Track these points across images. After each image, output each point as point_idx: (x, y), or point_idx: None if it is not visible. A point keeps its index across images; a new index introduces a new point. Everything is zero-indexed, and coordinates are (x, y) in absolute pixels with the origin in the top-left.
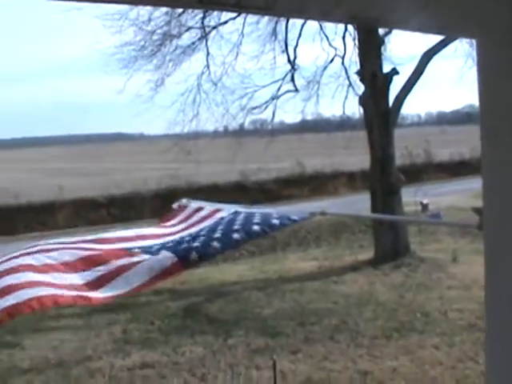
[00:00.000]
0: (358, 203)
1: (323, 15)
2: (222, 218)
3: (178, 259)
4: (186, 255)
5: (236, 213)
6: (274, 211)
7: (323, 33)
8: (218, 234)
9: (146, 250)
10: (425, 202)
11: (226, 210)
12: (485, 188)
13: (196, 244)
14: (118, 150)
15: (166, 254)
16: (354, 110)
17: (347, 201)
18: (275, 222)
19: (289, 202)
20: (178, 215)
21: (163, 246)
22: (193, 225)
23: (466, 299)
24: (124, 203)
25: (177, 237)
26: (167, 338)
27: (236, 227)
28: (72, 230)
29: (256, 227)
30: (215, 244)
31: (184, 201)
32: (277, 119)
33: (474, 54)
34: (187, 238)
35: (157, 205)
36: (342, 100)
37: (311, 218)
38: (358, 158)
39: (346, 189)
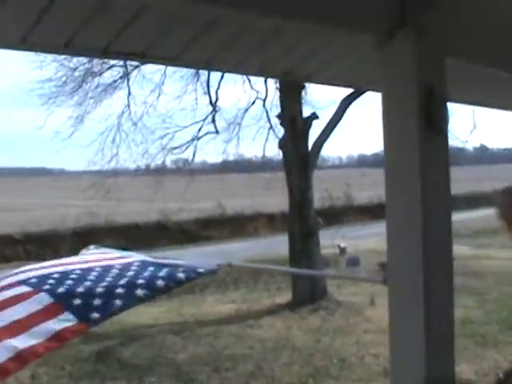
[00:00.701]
0: (278, 245)
1: (232, 68)
2: (126, 269)
3: (79, 320)
4: (86, 315)
5: (142, 263)
6: (182, 262)
7: (245, 76)
8: (120, 290)
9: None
10: (342, 245)
11: (133, 258)
12: (389, 238)
13: (96, 302)
14: (38, 184)
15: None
16: (276, 152)
17: (267, 242)
18: (181, 276)
19: (208, 242)
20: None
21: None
22: (93, 268)
23: (382, 344)
24: (41, 240)
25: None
26: (78, 383)
27: (140, 281)
28: None
29: (161, 282)
30: (117, 302)
31: (92, 247)
32: (199, 159)
33: None
34: (83, 289)
35: (74, 243)
36: (263, 142)
37: (218, 271)
38: (278, 200)
39: (267, 230)
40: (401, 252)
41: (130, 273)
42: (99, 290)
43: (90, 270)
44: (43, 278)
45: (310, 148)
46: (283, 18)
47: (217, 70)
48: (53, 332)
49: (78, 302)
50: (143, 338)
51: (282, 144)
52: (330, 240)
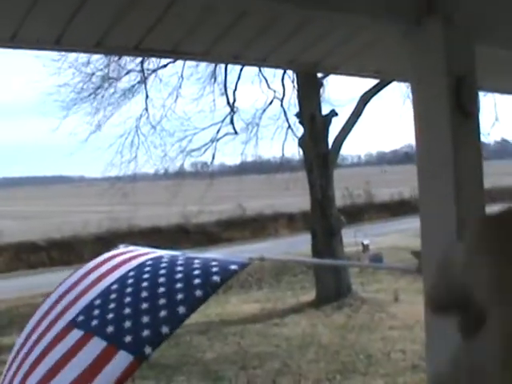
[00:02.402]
0: (299, 244)
1: (261, 61)
2: (158, 285)
3: (134, 358)
4: (139, 350)
5: (171, 261)
6: (213, 256)
7: (262, 75)
8: (163, 313)
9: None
10: (365, 242)
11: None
12: (423, 230)
13: (146, 333)
14: (58, 192)
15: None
16: (294, 152)
17: (288, 242)
18: (216, 278)
19: (230, 244)
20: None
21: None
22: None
23: (408, 340)
24: (64, 246)
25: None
26: None
27: (179, 297)
28: (14, 273)
29: (199, 292)
30: (164, 329)
31: (121, 246)
32: (217, 161)
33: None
34: (130, 324)
35: (98, 248)
36: (282, 142)
37: (251, 264)
38: (299, 200)
39: (287, 230)
40: (435, 241)
41: (164, 288)
42: (145, 319)
43: (124, 279)
44: (88, 312)
45: (330, 146)
46: (313, 9)
47: (245, 64)
48: (116, 376)
49: (128, 339)
50: (170, 339)
51: (302, 143)
52: (351, 238)
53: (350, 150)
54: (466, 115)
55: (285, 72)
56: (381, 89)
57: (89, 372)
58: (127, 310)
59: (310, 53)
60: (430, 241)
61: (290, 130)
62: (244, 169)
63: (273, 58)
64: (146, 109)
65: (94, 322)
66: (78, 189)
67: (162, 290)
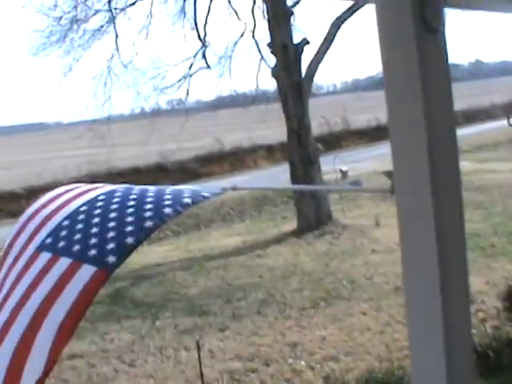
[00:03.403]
0: (279, 175)
1: None
2: (128, 199)
3: (98, 269)
4: (104, 262)
5: (145, 190)
6: (185, 187)
7: (232, 8)
8: (129, 227)
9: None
10: (344, 169)
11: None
12: (393, 151)
13: (110, 246)
14: (37, 140)
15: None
16: (269, 84)
17: (268, 173)
18: (187, 201)
19: (209, 179)
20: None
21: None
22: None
23: (391, 263)
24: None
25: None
26: (94, 325)
27: (147, 214)
28: None
29: (168, 210)
30: (129, 240)
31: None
32: (192, 98)
33: None
34: (96, 240)
35: None
36: (255, 74)
37: (223, 194)
38: (276, 131)
39: (266, 162)
40: (406, 162)
41: (136, 202)
42: (111, 234)
43: (90, 204)
44: (56, 234)
45: (303, 75)
46: None
47: None
48: (79, 290)
49: (93, 252)
50: (153, 277)
51: (275, 73)
52: (330, 165)
53: (326, 79)
54: (431, 31)
55: (254, 2)
56: (351, 14)
57: (55, 291)
58: (94, 230)
59: None
60: (401, 162)
61: (263, 62)
62: (220, 103)
63: None
64: (117, 49)
65: (61, 244)
66: (56, 135)
67: (130, 210)
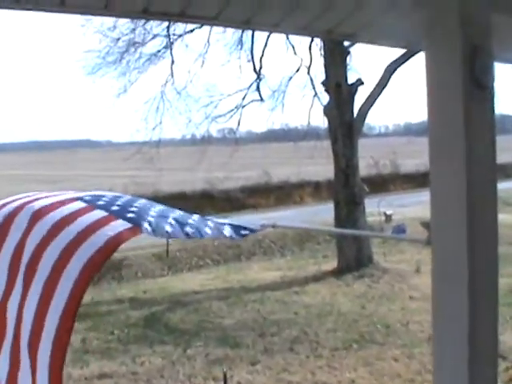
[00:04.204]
0: (323, 213)
1: (273, 26)
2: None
3: (131, 226)
4: (139, 223)
5: (188, 216)
6: (227, 221)
7: (289, 42)
8: (172, 221)
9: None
10: (388, 212)
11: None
12: (432, 202)
13: (149, 219)
14: (86, 156)
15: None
16: (321, 120)
17: (313, 210)
18: (226, 233)
19: (255, 210)
20: None
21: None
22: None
23: (427, 311)
24: None
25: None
26: (126, 347)
27: (190, 221)
28: None
29: (208, 230)
30: (167, 228)
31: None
32: (244, 128)
33: None
34: (136, 208)
35: None
36: (308, 110)
37: (261, 231)
38: (324, 168)
39: (312, 198)
40: (444, 213)
41: (178, 218)
42: (152, 214)
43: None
44: (96, 197)
45: (355, 115)
46: None
47: (256, 28)
48: (109, 236)
49: (131, 215)
50: (190, 304)
51: (327, 111)
52: (375, 208)
53: (378, 120)
54: (480, 83)
55: (312, 40)
56: (407, 59)
57: (85, 232)
58: (135, 205)
59: (324, 19)
60: (439, 214)
61: (316, 98)
62: (270, 136)
63: (285, 23)
64: (172, 74)
65: (99, 202)
66: (105, 153)
67: (176, 213)
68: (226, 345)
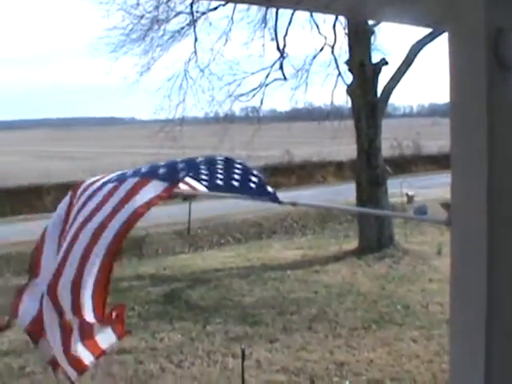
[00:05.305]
0: (347, 192)
1: (295, 4)
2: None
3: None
4: (173, 177)
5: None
6: (256, 172)
7: (313, 21)
8: (203, 175)
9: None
10: (410, 193)
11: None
12: (453, 183)
13: (182, 165)
14: (109, 134)
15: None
16: (344, 100)
17: (335, 190)
18: (252, 186)
19: (276, 189)
20: None
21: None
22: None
23: (448, 293)
24: None
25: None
26: (146, 323)
27: (219, 175)
28: None
29: (236, 183)
30: (201, 182)
31: None
32: (268, 107)
33: None
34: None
35: None
36: (331, 89)
37: (279, 205)
38: (347, 148)
39: (335, 178)
40: (465, 196)
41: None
42: (181, 165)
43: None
44: (121, 175)
45: (379, 95)
46: None
47: (278, 5)
48: (146, 200)
49: (162, 171)
50: (210, 282)
51: (351, 90)
52: (397, 189)
53: (403, 100)
54: (504, 68)
55: (336, 18)
56: (433, 39)
57: (121, 203)
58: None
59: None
60: (459, 196)
61: (340, 78)
62: (294, 115)
63: (307, 1)
64: (195, 52)
65: (126, 177)
66: (128, 131)
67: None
68: (245, 322)
